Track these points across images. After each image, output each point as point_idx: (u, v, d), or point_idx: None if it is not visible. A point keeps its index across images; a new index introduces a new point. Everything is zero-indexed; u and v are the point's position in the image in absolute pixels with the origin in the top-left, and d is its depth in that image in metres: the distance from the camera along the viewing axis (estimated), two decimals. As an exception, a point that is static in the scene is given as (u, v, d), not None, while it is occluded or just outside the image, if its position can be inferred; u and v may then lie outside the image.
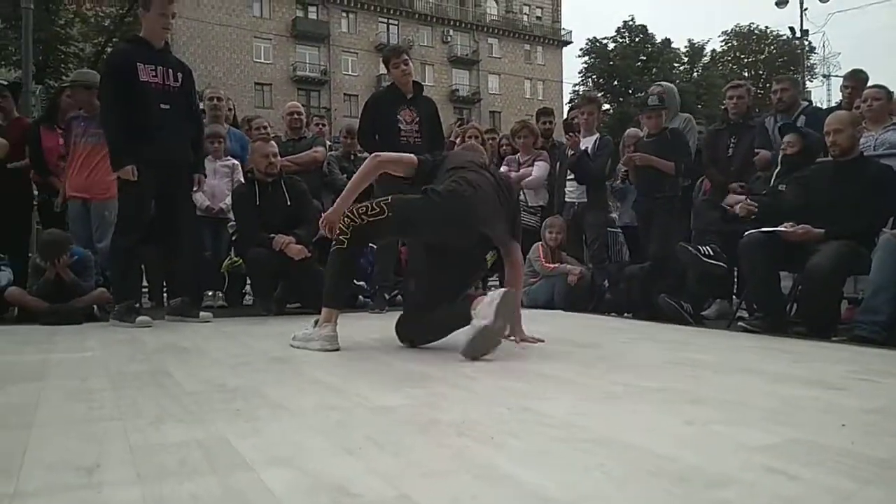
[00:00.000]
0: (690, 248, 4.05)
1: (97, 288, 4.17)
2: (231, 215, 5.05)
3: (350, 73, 40.16)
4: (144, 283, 5.33)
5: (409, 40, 40.62)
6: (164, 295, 4.88)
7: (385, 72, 5.32)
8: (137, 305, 4.11)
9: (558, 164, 5.68)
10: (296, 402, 1.71)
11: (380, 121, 4.68)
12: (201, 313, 3.99)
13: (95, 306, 4.16)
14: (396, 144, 4.60)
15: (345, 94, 39.40)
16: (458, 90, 42.38)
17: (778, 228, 3.47)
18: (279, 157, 4.60)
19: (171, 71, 3.81)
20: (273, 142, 4.73)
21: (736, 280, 4.75)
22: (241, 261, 4.86)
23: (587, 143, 5.29)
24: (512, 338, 2.89)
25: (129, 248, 3.83)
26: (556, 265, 5.07)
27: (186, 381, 2.02)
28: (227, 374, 2.14)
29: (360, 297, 5.07)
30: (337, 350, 2.69)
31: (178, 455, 1.23)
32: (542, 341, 2.88)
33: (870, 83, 4.80)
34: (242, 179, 4.95)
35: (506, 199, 2.88)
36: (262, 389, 1.87)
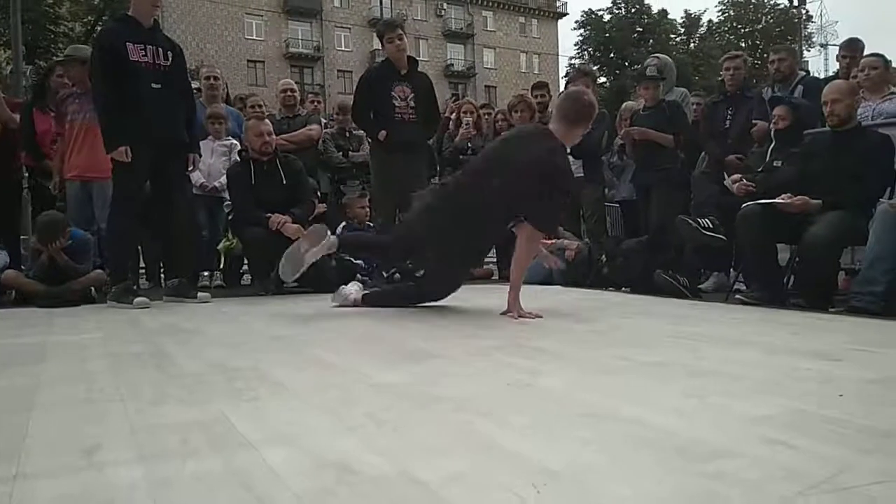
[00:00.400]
0: (690, 221, 4.04)
1: (95, 270, 4.17)
2: (227, 194, 5.03)
3: (343, 48, 39.74)
4: (142, 263, 5.33)
5: (402, 14, 40.08)
6: (162, 276, 4.88)
7: (379, 47, 5.26)
8: (135, 287, 4.11)
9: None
10: (296, 381, 1.71)
11: (374, 97, 4.64)
12: (199, 294, 3.98)
13: (93, 288, 4.15)
14: (391, 121, 4.58)
15: (339, 70, 39.03)
16: (452, 65, 42.00)
17: (775, 200, 3.47)
18: (274, 136, 4.57)
19: (160, 50, 3.76)
20: (267, 120, 4.69)
21: (734, 253, 4.75)
22: (236, 242, 4.85)
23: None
24: (510, 314, 2.90)
25: (126, 229, 3.82)
26: (554, 240, 5.06)
27: (186, 361, 2.02)
28: (226, 355, 2.14)
29: (358, 275, 5.06)
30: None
31: (179, 435, 1.23)
32: (540, 317, 2.89)
33: (867, 52, 4.77)
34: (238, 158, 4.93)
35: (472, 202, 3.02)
36: (263, 369, 1.88)
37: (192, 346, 2.36)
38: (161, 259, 4.77)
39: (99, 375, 1.83)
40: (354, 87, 4.96)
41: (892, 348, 2.18)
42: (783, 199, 3.45)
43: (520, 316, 2.89)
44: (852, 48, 5.03)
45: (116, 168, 3.72)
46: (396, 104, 4.60)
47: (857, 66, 4.65)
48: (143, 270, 5.36)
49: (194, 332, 2.72)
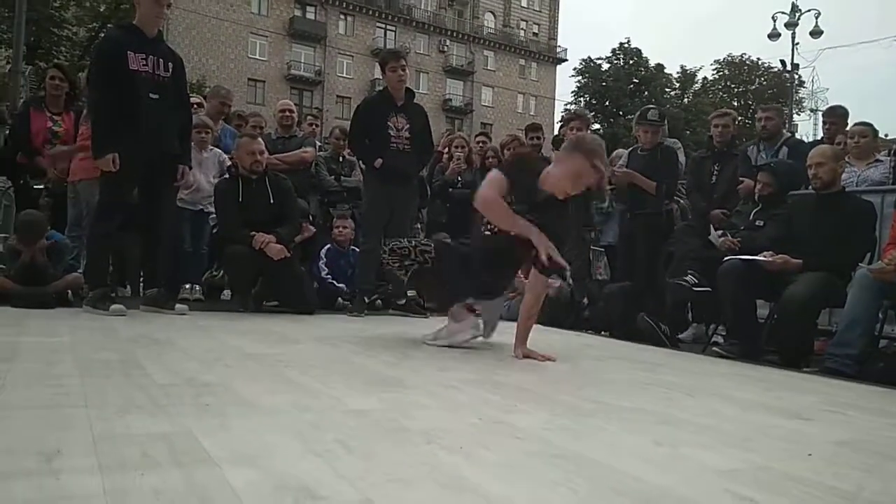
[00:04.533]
0: (680, 283, 4.10)
1: (73, 273, 4.12)
2: (212, 208, 5.01)
3: (344, 75, 40.17)
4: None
5: (405, 47, 40.67)
6: (141, 285, 4.83)
7: (380, 76, 5.32)
8: (112, 294, 4.06)
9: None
10: (266, 401, 1.69)
11: (370, 126, 4.68)
12: (177, 305, 3.94)
13: (70, 291, 4.10)
14: (386, 150, 4.61)
15: (338, 95, 39.39)
16: (451, 100, 42.53)
17: (757, 257, 3.51)
18: (266, 155, 4.58)
19: (161, 60, 3.78)
20: (260, 139, 4.70)
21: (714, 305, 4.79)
22: (220, 274, 4.84)
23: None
24: (514, 355, 2.87)
25: (107, 235, 3.79)
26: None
27: (156, 372, 1.99)
28: (198, 369, 2.11)
29: (340, 299, 5.04)
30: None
31: (141, 447, 1.21)
32: (553, 360, 2.82)
33: (858, 120, 4.91)
34: (215, 171, 4.97)
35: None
36: (234, 386, 1.85)
37: (164, 357, 2.33)
38: (141, 267, 4.73)
39: (66, 380, 1.79)
40: (351, 114, 4.99)
41: (863, 411, 2.19)
42: (765, 256, 3.50)
43: (525, 356, 2.84)
44: (835, 115, 5.20)
45: (104, 174, 3.71)
46: (392, 134, 4.64)
47: (840, 131, 4.78)
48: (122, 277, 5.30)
49: (168, 344, 2.69)
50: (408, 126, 4.69)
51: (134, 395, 1.65)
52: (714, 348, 3.73)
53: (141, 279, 4.75)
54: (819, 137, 5.42)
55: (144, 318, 3.59)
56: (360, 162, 5.00)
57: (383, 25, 41.69)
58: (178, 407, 1.55)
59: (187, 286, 5.03)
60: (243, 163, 4.44)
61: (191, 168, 4.22)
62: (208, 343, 2.83)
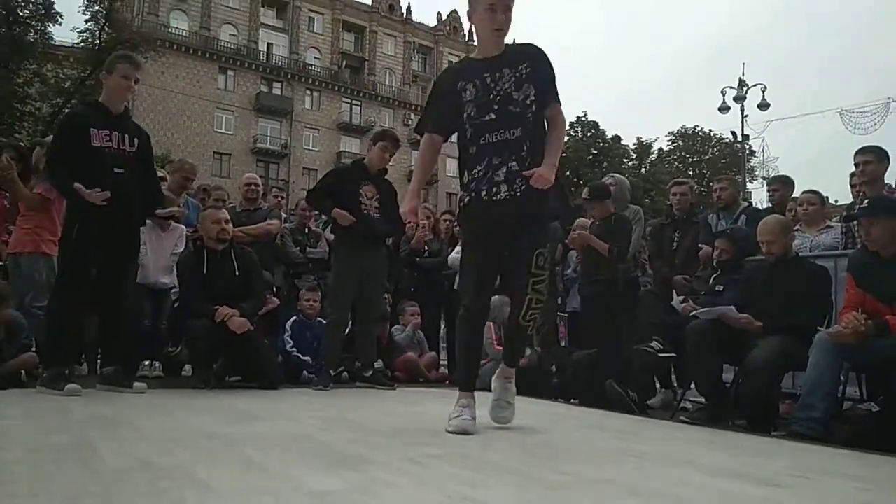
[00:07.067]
0: (645, 349, 4.16)
1: (27, 353, 3.98)
2: (173, 283, 4.94)
3: (311, 147, 40.70)
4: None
5: (370, 120, 41.60)
6: (98, 362, 4.68)
7: (346, 149, 5.42)
8: (67, 372, 3.91)
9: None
10: (225, 484, 1.63)
11: (342, 191, 4.73)
12: (135, 384, 3.81)
13: (23, 371, 3.94)
14: (358, 214, 4.64)
15: (304, 167, 39.75)
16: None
17: (724, 308, 3.58)
18: (231, 225, 4.56)
19: (126, 136, 3.78)
20: (224, 209, 4.70)
21: (675, 369, 4.83)
22: (178, 350, 4.74)
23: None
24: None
25: (66, 312, 3.68)
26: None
27: (110, 456, 1.91)
28: (155, 451, 2.03)
29: (305, 372, 4.94)
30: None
31: (90, 538, 1.14)
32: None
33: (806, 187, 5.13)
34: (181, 247, 4.96)
35: None
36: (192, 469, 1.78)
37: (119, 439, 2.23)
38: (98, 345, 4.59)
39: (14, 467, 1.71)
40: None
41: (830, 475, 2.19)
42: (731, 309, 3.56)
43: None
44: (779, 182, 5.59)
45: (64, 249, 3.64)
46: (363, 201, 4.69)
47: (785, 197, 5.01)
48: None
49: (124, 425, 2.59)
50: (377, 196, 4.76)
51: (85, 482, 1.57)
52: (682, 418, 3.74)
53: (98, 357, 4.61)
54: (770, 205, 5.71)
55: (101, 398, 3.46)
56: (328, 229, 5.01)
57: (349, 100, 42.63)
58: (131, 494, 1.49)
59: (146, 363, 4.88)
60: (209, 233, 4.40)
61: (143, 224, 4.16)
62: (167, 422, 2.73)
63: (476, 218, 2.78)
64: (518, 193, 2.66)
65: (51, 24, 21.93)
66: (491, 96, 2.71)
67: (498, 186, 2.69)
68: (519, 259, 2.73)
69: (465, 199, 2.79)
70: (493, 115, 2.70)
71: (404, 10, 45.84)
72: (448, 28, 47.02)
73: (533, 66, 2.72)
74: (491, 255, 2.80)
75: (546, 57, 2.77)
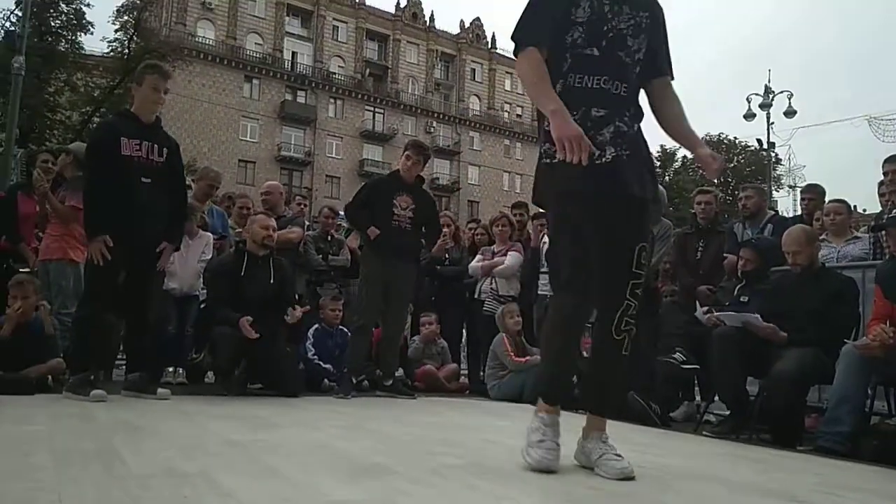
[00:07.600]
0: (668, 360, 4.10)
1: (55, 358, 4.04)
2: (199, 290, 4.99)
3: (334, 155, 41.03)
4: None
5: (393, 128, 41.87)
6: (124, 368, 4.74)
7: (368, 156, 5.48)
8: (93, 378, 3.97)
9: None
10: (247, 492, 1.64)
11: (375, 200, 4.78)
12: (159, 390, 3.85)
13: (50, 377, 4.01)
14: (388, 227, 4.67)
15: (327, 175, 40.10)
16: (438, 178, 43.37)
17: (749, 315, 3.53)
18: (276, 234, 4.65)
19: (156, 146, 3.84)
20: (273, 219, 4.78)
21: (699, 381, 4.76)
22: (199, 357, 4.79)
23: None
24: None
25: (92, 318, 3.73)
26: (527, 358, 5.04)
27: (134, 462, 1.93)
28: (178, 457, 2.05)
29: (326, 380, 4.96)
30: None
31: (115, 545, 1.16)
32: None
33: (833, 195, 5.04)
34: (209, 255, 5.02)
35: None
36: (214, 475, 1.80)
37: (143, 445, 2.26)
38: (124, 351, 4.65)
39: (41, 472, 1.73)
40: (341, 192, 5.11)
41: (859, 492, 2.15)
42: (755, 317, 3.51)
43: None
44: (814, 192, 5.36)
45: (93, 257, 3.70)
46: (396, 212, 4.72)
47: (818, 207, 4.89)
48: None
49: (148, 431, 2.62)
50: (413, 206, 4.77)
51: (109, 488, 1.59)
52: (704, 432, 3.68)
53: (123, 362, 4.67)
54: (798, 213, 5.57)
55: (126, 404, 3.51)
56: (357, 233, 5.04)
57: (372, 108, 42.94)
58: (154, 500, 1.50)
59: (170, 369, 4.94)
60: (256, 236, 4.46)
61: (177, 249, 4.21)
62: (189, 429, 2.76)
63: (578, 181, 2.02)
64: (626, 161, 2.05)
65: (82, 34, 22.39)
66: (605, 28, 2.09)
67: (603, 149, 2.05)
68: (618, 253, 2.10)
69: (557, 158, 1.99)
70: (596, 52, 2.09)
71: (427, 19, 46.11)
72: (471, 36, 47.22)
73: (653, 19, 2.18)
74: (590, 242, 2.12)
75: (665, 19, 2.23)
